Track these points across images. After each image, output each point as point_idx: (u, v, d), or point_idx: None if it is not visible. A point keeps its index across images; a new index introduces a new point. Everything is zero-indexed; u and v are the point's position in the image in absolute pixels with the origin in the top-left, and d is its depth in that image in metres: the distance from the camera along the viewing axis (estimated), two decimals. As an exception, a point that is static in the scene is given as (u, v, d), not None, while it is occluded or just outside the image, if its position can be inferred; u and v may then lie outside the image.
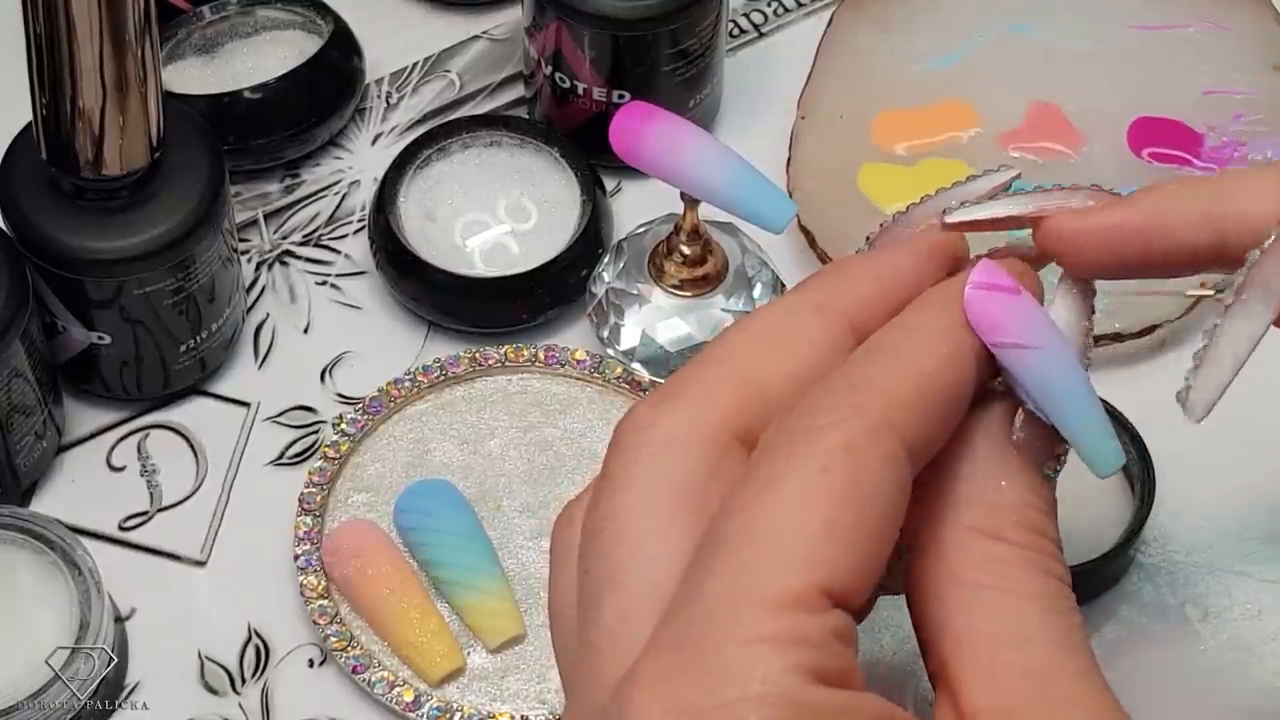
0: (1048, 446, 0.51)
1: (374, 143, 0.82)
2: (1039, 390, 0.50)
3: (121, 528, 0.73)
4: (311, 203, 0.81)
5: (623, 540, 0.48)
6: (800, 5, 0.87)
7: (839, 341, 0.51)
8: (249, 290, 0.78)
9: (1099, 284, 0.76)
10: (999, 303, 0.50)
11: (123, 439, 0.75)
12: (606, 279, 0.76)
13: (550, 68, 0.79)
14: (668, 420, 0.50)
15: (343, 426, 0.73)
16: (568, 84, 0.79)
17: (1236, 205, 0.52)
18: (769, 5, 0.87)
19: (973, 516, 0.50)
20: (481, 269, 0.77)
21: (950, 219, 0.54)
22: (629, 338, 0.75)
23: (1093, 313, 0.53)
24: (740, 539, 0.46)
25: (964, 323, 0.50)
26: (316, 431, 0.75)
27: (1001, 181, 0.55)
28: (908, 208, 0.56)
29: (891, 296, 0.52)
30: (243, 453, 0.75)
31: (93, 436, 0.75)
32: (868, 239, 0.56)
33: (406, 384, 0.75)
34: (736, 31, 0.86)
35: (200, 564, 0.72)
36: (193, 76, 0.81)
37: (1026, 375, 0.50)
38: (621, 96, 0.78)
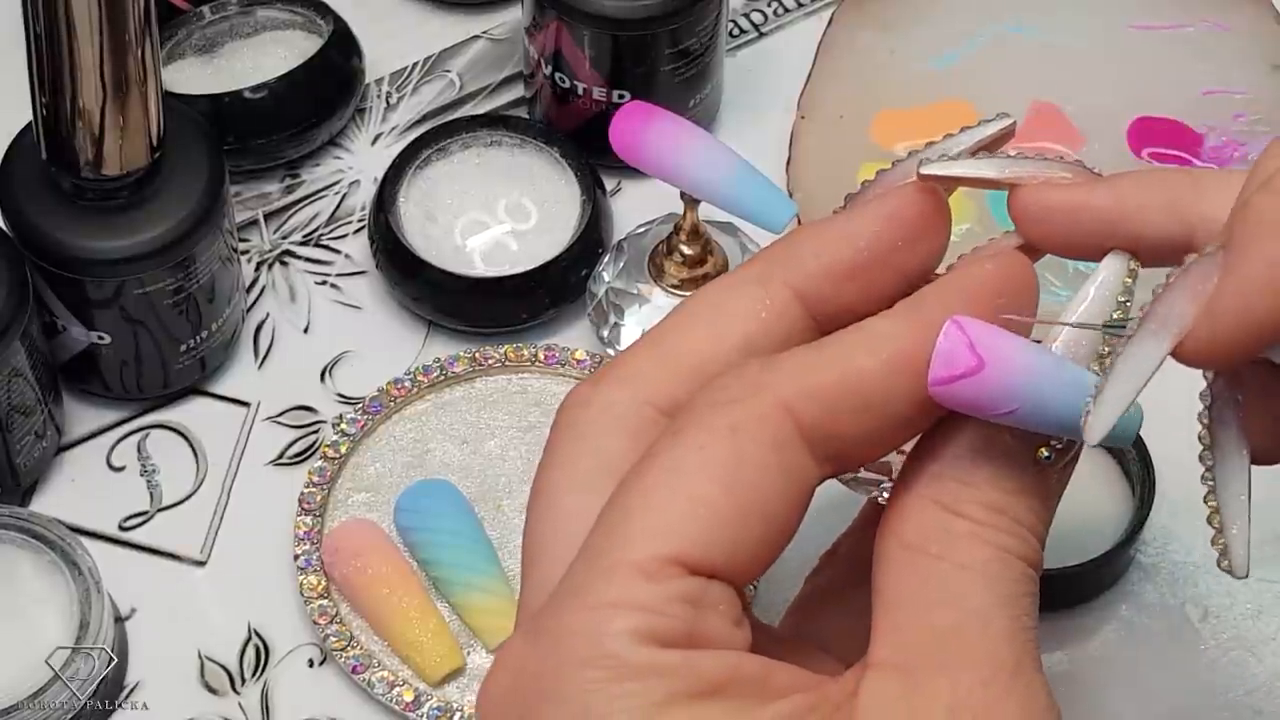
0: (1034, 435, 0.51)
1: (374, 143, 0.82)
2: (1040, 427, 0.50)
3: (121, 527, 0.73)
4: (311, 203, 0.81)
5: (545, 515, 0.51)
6: (800, 5, 0.87)
7: (782, 311, 0.52)
8: (249, 290, 0.78)
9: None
10: (963, 392, 0.49)
11: (123, 439, 0.75)
12: (606, 279, 0.76)
13: (550, 68, 0.79)
14: (598, 398, 0.51)
15: (343, 426, 0.73)
16: (568, 84, 0.79)
17: (1206, 203, 0.52)
18: (769, 5, 0.87)
19: (935, 489, 0.50)
20: (481, 269, 0.77)
21: (925, 170, 0.53)
22: (629, 338, 0.75)
23: (1129, 291, 0.52)
24: (608, 512, 0.49)
25: (913, 334, 0.50)
26: (316, 431, 0.75)
27: (988, 135, 0.54)
28: (892, 163, 0.55)
29: (842, 262, 0.52)
30: (243, 453, 0.75)
31: (93, 436, 0.75)
32: (846, 198, 0.54)
33: (406, 384, 0.75)
34: (736, 31, 0.86)
35: (200, 564, 0.73)
36: (193, 76, 0.81)
37: (1017, 425, 0.50)
38: (621, 96, 0.78)
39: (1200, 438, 0.53)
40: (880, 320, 0.50)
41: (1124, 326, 0.51)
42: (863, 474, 0.57)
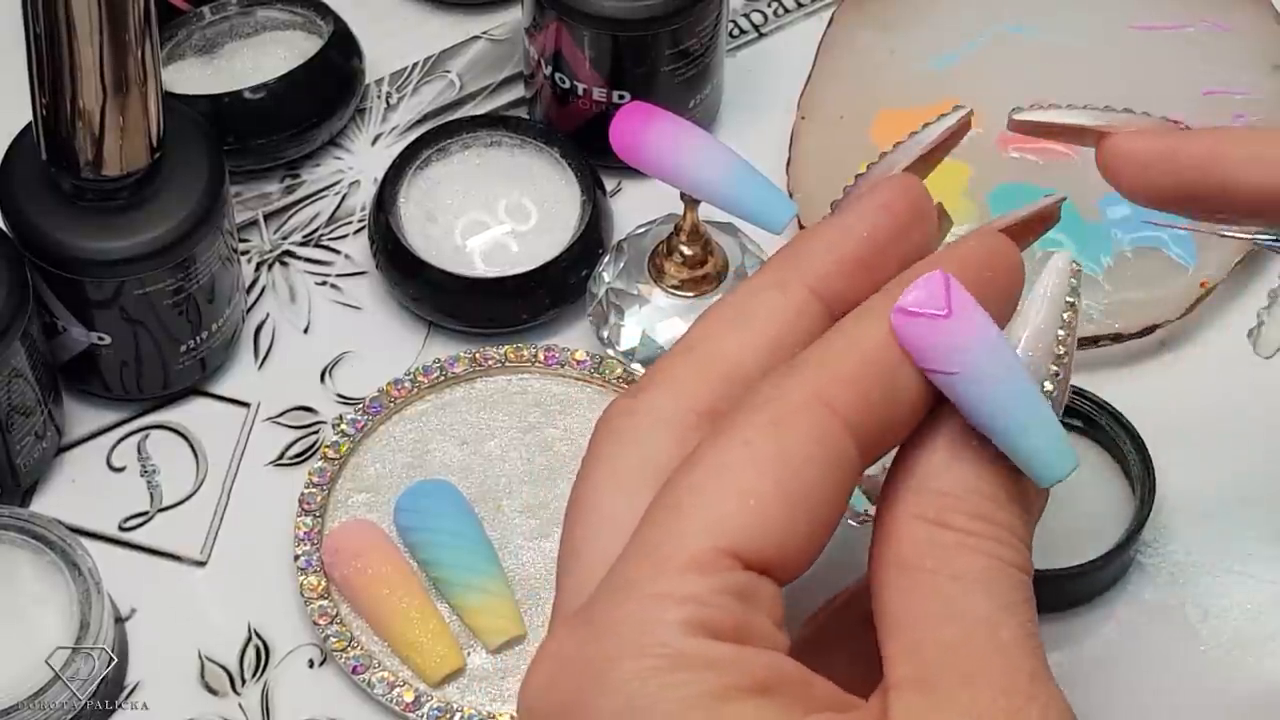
0: None
1: (374, 143, 0.82)
2: (966, 411, 0.50)
3: (121, 528, 0.73)
4: (311, 203, 0.81)
5: (585, 519, 0.51)
6: (800, 5, 0.87)
7: (803, 310, 0.53)
8: (249, 290, 0.78)
9: (1102, 284, 0.76)
10: (919, 329, 0.50)
11: (123, 439, 0.75)
12: (606, 279, 0.76)
13: (550, 68, 0.79)
14: (642, 405, 0.52)
15: (343, 427, 0.73)
16: (568, 84, 0.79)
17: None
18: (769, 5, 0.87)
19: (919, 504, 0.51)
20: (481, 269, 0.77)
21: (1018, 117, 0.55)
22: (629, 338, 0.75)
23: (1073, 304, 0.53)
24: (657, 509, 0.49)
25: None
26: (316, 432, 0.75)
27: (947, 127, 0.57)
28: (867, 167, 0.57)
29: (850, 259, 0.53)
30: (243, 453, 0.75)
31: (93, 436, 0.75)
32: (831, 206, 0.56)
33: (406, 384, 0.75)
34: (736, 31, 0.86)
35: (200, 564, 0.73)
36: (193, 76, 0.81)
37: (952, 397, 0.50)
38: (621, 96, 0.78)
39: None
40: (879, 299, 0.51)
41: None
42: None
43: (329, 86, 0.81)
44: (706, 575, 0.48)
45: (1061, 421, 0.70)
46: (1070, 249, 0.76)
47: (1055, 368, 0.52)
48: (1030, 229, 0.56)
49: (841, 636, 0.56)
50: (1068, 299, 0.53)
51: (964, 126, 0.58)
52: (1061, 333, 0.52)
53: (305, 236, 0.80)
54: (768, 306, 0.53)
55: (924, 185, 0.56)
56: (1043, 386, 0.52)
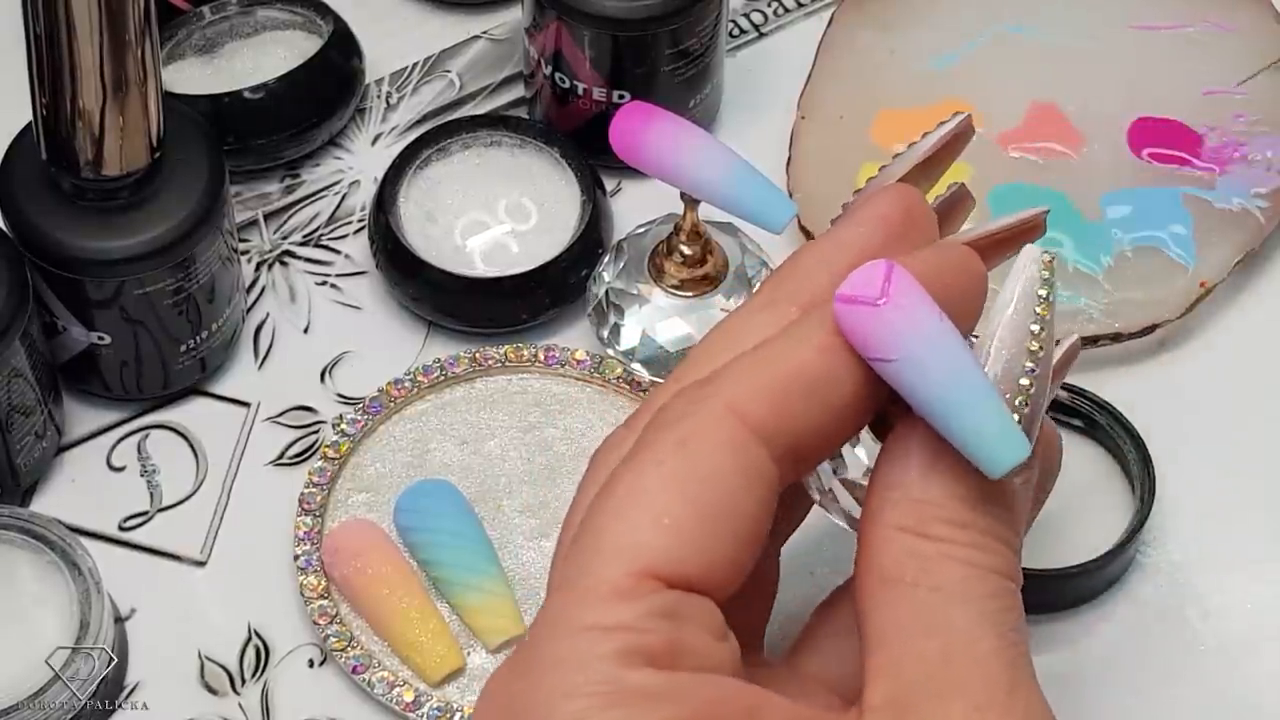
0: None
1: (374, 143, 0.82)
2: (908, 400, 0.50)
3: (121, 528, 0.73)
4: (311, 203, 0.81)
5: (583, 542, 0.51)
6: (800, 5, 0.87)
7: None
8: (249, 290, 0.78)
9: (1102, 284, 0.76)
10: (858, 316, 0.50)
11: (123, 439, 0.75)
12: (606, 279, 0.76)
13: (550, 68, 0.79)
14: (633, 437, 0.52)
15: (343, 426, 0.73)
16: (568, 84, 0.79)
17: None
18: (769, 5, 0.87)
19: (897, 515, 0.50)
20: (481, 269, 0.77)
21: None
22: (629, 338, 0.75)
23: (1046, 297, 0.52)
24: (580, 539, 0.50)
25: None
26: (316, 431, 0.75)
27: (946, 133, 0.57)
28: (867, 182, 0.57)
29: (844, 274, 0.52)
30: (243, 453, 0.75)
31: (93, 436, 0.75)
32: (831, 223, 0.56)
33: (406, 384, 0.75)
34: (736, 31, 0.86)
35: (200, 564, 0.72)
36: (193, 76, 0.81)
37: (895, 386, 0.50)
38: (621, 96, 0.78)
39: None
40: (816, 309, 0.51)
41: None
42: (832, 501, 0.57)
43: (329, 86, 0.81)
44: (632, 601, 0.48)
45: (1061, 421, 0.70)
46: (1070, 248, 0.76)
47: (1030, 364, 0.51)
48: (1014, 239, 0.56)
49: (835, 635, 0.56)
50: (1039, 292, 0.52)
51: (965, 131, 0.58)
52: (1035, 327, 0.52)
53: (305, 236, 0.80)
54: (759, 329, 0.53)
55: (919, 194, 0.56)
56: (1018, 382, 0.51)
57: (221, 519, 0.73)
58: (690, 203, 0.73)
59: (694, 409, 0.50)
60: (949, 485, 0.50)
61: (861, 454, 0.56)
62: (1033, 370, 0.51)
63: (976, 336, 0.53)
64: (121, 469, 0.74)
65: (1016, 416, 0.51)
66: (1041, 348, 0.52)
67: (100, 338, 0.72)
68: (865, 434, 0.56)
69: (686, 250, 0.75)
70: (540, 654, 0.48)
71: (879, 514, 0.51)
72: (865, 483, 0.55)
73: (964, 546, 0.50)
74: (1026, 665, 0.50)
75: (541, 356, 0.75)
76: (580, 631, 0.48)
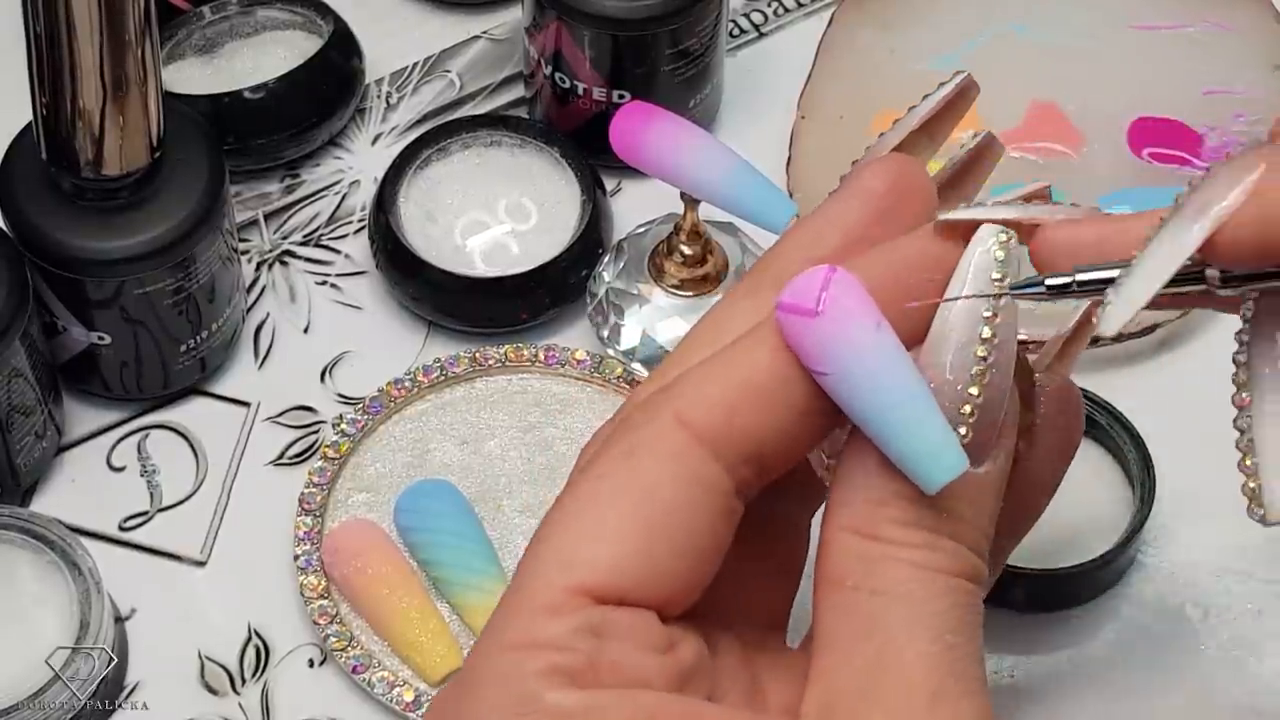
0: None
1: (374, 143, 0.82)
2: (843, 409, 0.49)
3: (121, 528, 0.73)
4: (311, 203, 0.81)
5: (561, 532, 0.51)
6: (800, 5, 0.87)
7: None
8: (249, 290, 0.78)
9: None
10: (794, 327, 0.49)
11: (123, 439, 0.75)
12: (606, 279, 0.76)
13: (550, 68, 0.79)
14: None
15: (343, 426, 0.73)
16: (568, 84, 0.79)
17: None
18: (769, 5, 0.87)
19: (847, 516, 0.49)
20: (481, 269, 0.77)
21: (945, 218, 0.51)
22: (629, 338, 0.75)
23: (1001, 279, 0.50)
24: (529, 548, 0.49)
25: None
26: (316, 431, 0.75)
27: (946, 94, 0.55)
28: (866, 150, 0.55)
29: (827, 255, 0.51)
30: (243, 453, 0.75)
31: (93, 436, 0.75)
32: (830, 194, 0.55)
33: (406, 384, 0.75)
34: (736, 31, 0.86)
35: (200, 564, 0.72)
36: (193, 76, 0.81)
37: (831, 396, 0.49)
38: (621, 96, 0.78)
39: (1234, 376, 0.51)
40: (769, 317, 0.50)
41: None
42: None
43: (329, 86, 0.81)
44: (560, 618, 0.47)
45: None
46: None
47: (984, 352, 0.49)
48: (973, 158, 0.55)
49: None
50: (994, 275, 0.50)
51: (967, 90, 0.56)
52: (989, 312, 0.49)
53: (305, 236, 0.80)
54: (742, 319, 0.52)
55: (914, 163, 0.54)
56: (970, 371, 0.49)
57: (221, 519, 0.73)
58: (690, 203, 0.73)
59: (644, 419, 0.49)
60: (899, 484, 0.49)
61: None
62: (985, 359, 0.49)
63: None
64: (121, 469, 0.74)
65: (969, 409, 0.49)
66: (995, 334, 0.49)
67: (100, 338, 0.72)
68: None
69: (686, 250, 0.75)
70: (472, 670, 0.48)
71: (831, 515, 0.49)
72: None
73: (911, 548, 0.48)
74: (966, 670, 0.48)
75: (541, 356, 0.75)
76: (508, 649, 0.48)
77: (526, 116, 0.82)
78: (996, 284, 0.50)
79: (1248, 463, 0.50)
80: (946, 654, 0.48)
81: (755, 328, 0.50)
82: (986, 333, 0.49)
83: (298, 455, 0.75)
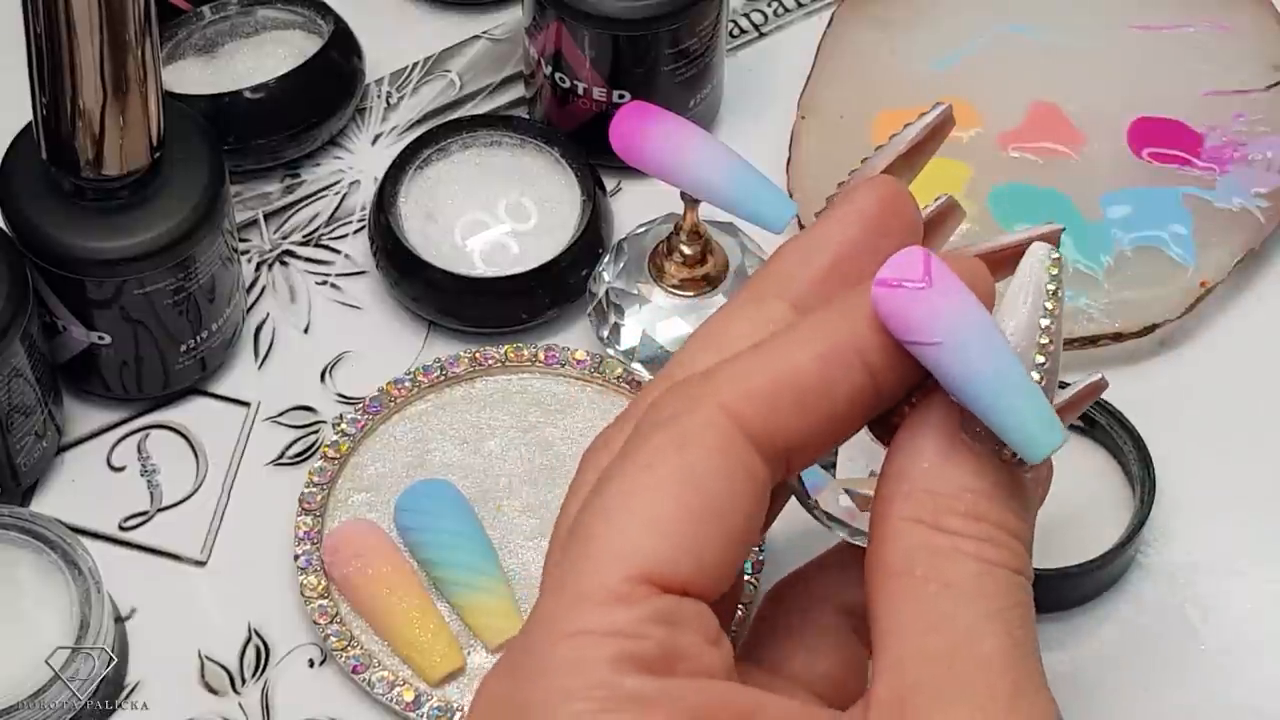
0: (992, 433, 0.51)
1: (374, 143, 0.82)
2: (950, 384, 0.50)
3: (121, 528, 0.73)
4: (311, 203, 0.81)
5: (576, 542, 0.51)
6: (800, 5, 0.87)
7: (780, 322, 0.53)
8: (249, 290, 0.78)
9: (1102, 283, 0.76)
10: (900, 299, 0.49)
11: (123, 439, 0.75)
12: (606, 279, 0.76)
13: (550, 68, 0.79)
14: (621, 436, 0.52)
15: (343, 426, 0.73)
16: (568, 84, 0.79)
17: None
18: (769, 5, 0.87)
19: (910, 508, 0.50)
20: (481, 269, 0.77)
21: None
22: (629, 338, 0.75)
23: (1055, 293, 0.52)
24: (573, 542, 0.49)
25: (848, 320, 0.51)
26: (316, 431, 0.75)
27: (927, 123, 0.57)
28: (850, 174, 0.57)
29: (825, 267, 0.53)
30: (243, 453, 0.75)
31: (93, 436, 0.75)
32: (826, 200, 0.57)
33: (406, 384, 0.75)
34: (736, 31, 0.86)
35: (200, 564, 0.72)
36: (193, 76, 0.81)
37: (936, 370, 0.50)
38: (621, 96, 0.78)
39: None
40: (815, 315, 0.51)
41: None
42: (838, 513, 0.57)
43: (329, 86, 0.81)
44: (629, 606, 0.48)
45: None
46: (1071, 248, 0.76)
47: (1041, 357, 0.51)
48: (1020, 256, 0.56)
49: (819, 630, 0.55)
50: (1049, 287, 0.52)
51: (946, 123, 0.58)
52: (1045, 321, 0.52)
53: (305, 236, 0.80)
54: (746, 324, 0.53)
55: (900, 185, 0.56)
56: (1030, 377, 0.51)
57: (221, 519, 0.73)
58: (690, 203, 0.73)
59: (687, 408, 0.50)
60: (963, 478, 0.50)
61: (843, 456, 0.56)
62: (1042, 365, 0.51)
63: None
64: (121, 469, 0.74)
65: None
66: (1050, 342, 0.52)
67: (100, 338, 0.72)
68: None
69: (686, 250, 0.75)
70: (537, 657, 0.48)
71: (890, 506, 0.50)
72: (861, 481, 0.56)
73: (977, 541, 0.49)
74: (1034, 666, 0.49)
75: (541, 356, 0.75)
76: (576, 635, 0.48)
77: (526, 116, 0.82)
78: (1052, 294, 0.52)
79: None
80: (1017, 649, 0.49)
81: (792, 331, 0.51)
82: (1044, 340, 0.52)
83: (298, 455, 0.75)
